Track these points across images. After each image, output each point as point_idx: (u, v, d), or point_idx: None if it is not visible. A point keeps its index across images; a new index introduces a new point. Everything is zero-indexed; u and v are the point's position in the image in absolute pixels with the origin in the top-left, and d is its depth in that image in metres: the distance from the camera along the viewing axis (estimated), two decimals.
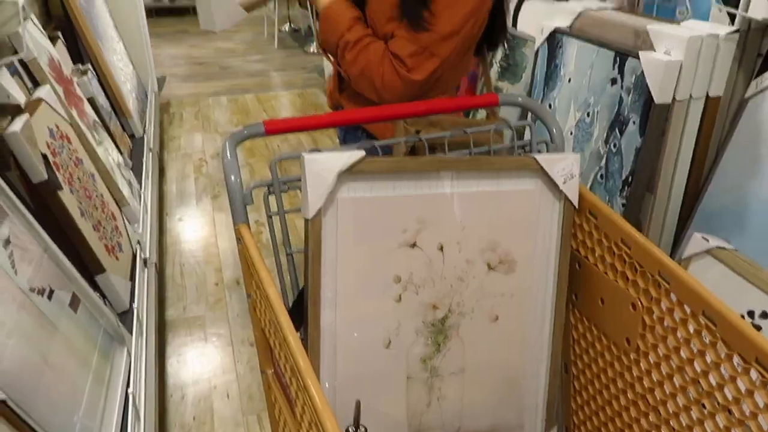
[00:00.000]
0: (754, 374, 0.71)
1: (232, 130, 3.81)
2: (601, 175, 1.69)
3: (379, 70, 1.12)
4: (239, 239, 0.89)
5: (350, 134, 1.33)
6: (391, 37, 1.13)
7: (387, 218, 0.90)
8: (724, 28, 1.40)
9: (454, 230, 0.94)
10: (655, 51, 1.47)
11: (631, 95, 1.59)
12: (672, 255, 1.58)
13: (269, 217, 0.93)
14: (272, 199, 0.93)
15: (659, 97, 1.45)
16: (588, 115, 1.74)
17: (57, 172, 1.41)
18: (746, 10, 1.34)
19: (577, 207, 1.00)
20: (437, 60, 1.11)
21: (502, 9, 1.25)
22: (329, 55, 1.25)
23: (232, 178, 0.89)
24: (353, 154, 0.84)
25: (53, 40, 2.15)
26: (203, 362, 1.95)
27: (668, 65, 1.41)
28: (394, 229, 0.91)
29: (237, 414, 1.74)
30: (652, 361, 0.88)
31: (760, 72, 1.39)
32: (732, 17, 1.41)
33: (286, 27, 6.37)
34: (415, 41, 1.09)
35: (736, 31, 1.39)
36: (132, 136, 2.68)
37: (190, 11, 7.06)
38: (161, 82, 4.02)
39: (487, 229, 0.96)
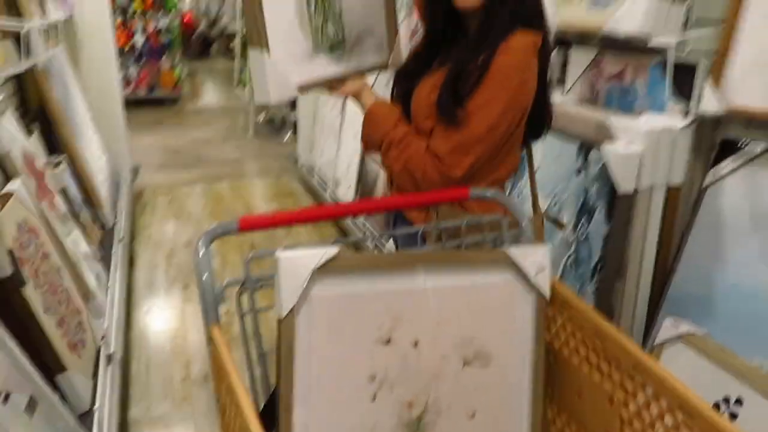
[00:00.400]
0: None
1: (204, 218, 3.81)
2: (572, 263, 1.72)
3: (420, 166, 1.15)
4: (210, 340, 0.87)
5: (399, 220, 1.36)
6: (431, 134, 1.18)
7: (362, 315, 0.89)
8: (679, 122, 1.48)
9: (429, 325, 0.94)
10: (616, 143, 1.53)
11: (596, 184, 1.64)
12: (644, 340, 1.58)
13: (241, 316, 0.91)
14: (245, 296, 0.91)
15: (622, 186, 1.50)
16: (556, 204, 1.78)
17: (22, 268, 1.38)
18: (698, 105, 1.42)
19: (549, 299, 1.00)
20: (473, 156, 1.14)
21: (546, 99, 1.26)
22: (369, 152, 1.31)
23: (204, 277, 0.88)
24: (327, 252, 0.84)
25: (29, 132, 2.16)
26: None
27: (629, 156, 1.48)
28: (368, 326, 0.90)
29: None
30: None
31: (716, 162, 1.46)
32: (686, 111, 1.49)
33: (262, 117, 6.53)
34: (450, 139, 1.13)
35: (692, 123, 1.47)
36: (103, 227, 2.65)
37: (165, 102, 7.21)
38: (135, 171, 4.04)
39: (462, 324, 0.96)
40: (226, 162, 5.08)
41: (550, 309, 1.01)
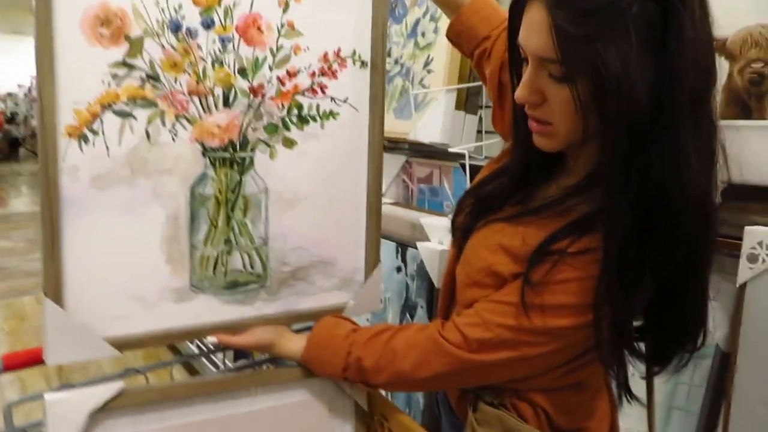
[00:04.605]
0: None
1: (1, 339, 3.30)
2: None
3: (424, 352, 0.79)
4: None
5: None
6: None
7: None
8: None
9: None
10: (429, 241, 1.60)
11: (415, 281, 1.69)
12: None
13: None
14: None
15: (439, 281, 1.56)
16: (381, 301, 1.80)
17: None
18: None
19: (367, 410, 0.97)
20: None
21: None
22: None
23: None
24: (108, 388, 0.74)
25: None
26: None
27: (442, 253, 1.54)
28: None
29: None
30: None
31: None
32: None
33: None
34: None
35: None
36: None
37: None
38: None
39: None
40: (31, 273, 4.54)
41: (371, 421, 0.98)
